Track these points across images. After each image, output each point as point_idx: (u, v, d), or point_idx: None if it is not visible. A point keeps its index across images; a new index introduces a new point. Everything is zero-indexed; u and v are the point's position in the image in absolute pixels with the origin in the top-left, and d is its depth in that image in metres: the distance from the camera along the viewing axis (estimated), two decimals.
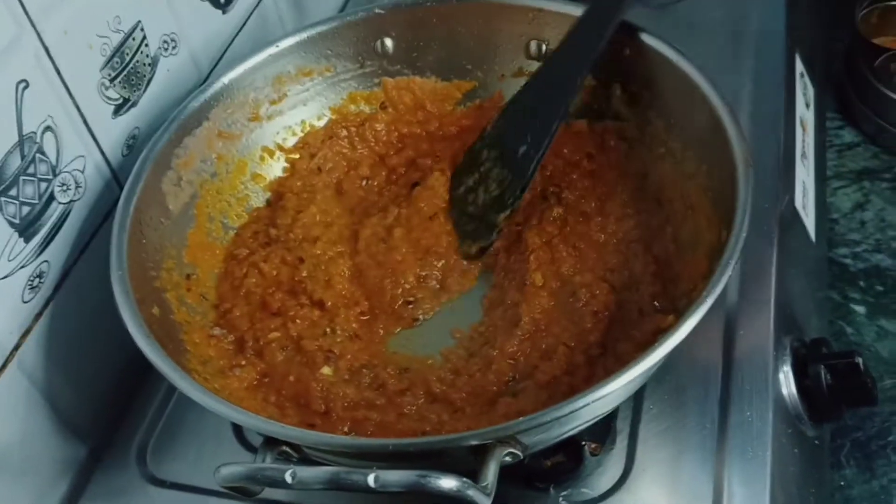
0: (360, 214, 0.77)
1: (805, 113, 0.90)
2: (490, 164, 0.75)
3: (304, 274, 0.71)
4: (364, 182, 0.80)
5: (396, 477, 0.45)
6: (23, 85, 0.61)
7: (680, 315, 0.54)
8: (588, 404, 0.50)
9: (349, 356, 0.66)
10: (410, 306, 0.72)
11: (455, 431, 0.60)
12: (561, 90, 0.73)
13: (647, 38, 0.71)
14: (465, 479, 0.45)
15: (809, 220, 0.83)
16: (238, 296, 0.70)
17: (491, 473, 0.48)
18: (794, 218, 0.79)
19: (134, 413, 0.71)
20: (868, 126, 1.02)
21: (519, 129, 0.74)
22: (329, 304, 0.69)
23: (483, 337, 0.69)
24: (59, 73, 0.64)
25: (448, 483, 0.45)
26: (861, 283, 0.89)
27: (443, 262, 0.74)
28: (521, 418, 0.49)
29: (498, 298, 0.71)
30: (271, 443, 0.52)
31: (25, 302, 0.64)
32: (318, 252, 0.73)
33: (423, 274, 0.73)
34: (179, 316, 0.67)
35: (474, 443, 0.49)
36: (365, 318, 0.70)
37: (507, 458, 0.50)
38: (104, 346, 0.72)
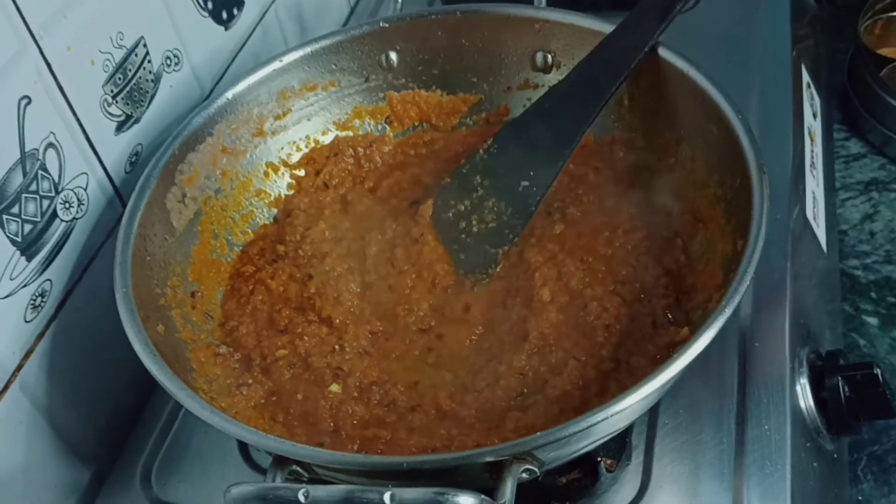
0: (364, 227, 0.76)
1: (813, 123, 0.89)
2: (484, 192, 0.73)
3: (313, 290, 0.70)
4: (369, 193, 0.79)
5: (413, 495, 0.44)
6: (25, 101, 0.60)
7: (695, 327, 0.53)
8: (606, 418, 0.49)
9: (358, 373, 0.65)
10: (425, 333, 0.69)
11: (464, 447, 0.59)
12: (574, 123, 0.69)
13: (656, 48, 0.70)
14: (483, 496, 0.44)
15: (820, 231, 0.82)
16: (244, 313, 0.69)
17: (508, 490, 0.47)
18: (806, 229, 0.78)
19: (137, 435, 0.70)
20: (874, 136, 1.01)
21: (520, 160, 0.71)
22: (338, 321, 0.68)
23: (489, 352, 0.67)
24: (61, 89, 0.63)
25: (466, 500, 0.44)
26: (873, 295, 0.88)
27: (454, 293, 0.71)
28: (538, 433, 0.48)
29: (502, 315, 0.70)
30: (281, 462, 0.51)
31: (27, 322, 0.63)
32: (327, 269, 0.72)
33: (436, 303, 0.71)
34: (185, 334, 0.65)
35: (491, 459, 0.48)
36: (375, 335, 0.69)
37: (524, 475, 0.49)
38: (106, 366, 0.71)
